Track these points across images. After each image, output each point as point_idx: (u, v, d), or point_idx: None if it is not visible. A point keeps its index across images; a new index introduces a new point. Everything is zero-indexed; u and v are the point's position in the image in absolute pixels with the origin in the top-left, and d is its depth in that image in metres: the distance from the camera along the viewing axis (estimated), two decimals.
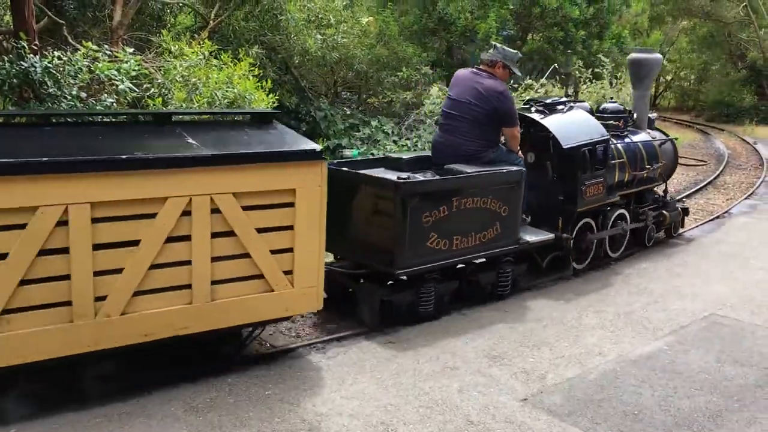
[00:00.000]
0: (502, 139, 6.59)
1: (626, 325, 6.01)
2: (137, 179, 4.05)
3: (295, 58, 13.29)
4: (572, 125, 7.19)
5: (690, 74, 31.10)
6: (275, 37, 12.62)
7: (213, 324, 4.48)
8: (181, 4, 12.52)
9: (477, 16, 16.50)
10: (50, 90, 6.57)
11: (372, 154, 11.39)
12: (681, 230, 9.31)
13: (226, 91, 7.65)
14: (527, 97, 8.84)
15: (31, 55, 6.63)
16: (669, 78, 33.23)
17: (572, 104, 7.59)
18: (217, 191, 4.32)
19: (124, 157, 4.05)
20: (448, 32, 17.21)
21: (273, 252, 4.61)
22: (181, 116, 5.53)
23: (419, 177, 5.95)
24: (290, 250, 4.68)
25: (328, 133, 13.08)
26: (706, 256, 8.34)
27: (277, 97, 8.70)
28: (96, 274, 4.01)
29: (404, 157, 6.63)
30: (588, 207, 7.18)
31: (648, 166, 8.23)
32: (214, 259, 4.39)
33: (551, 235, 6.82)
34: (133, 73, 7.21)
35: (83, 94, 6.83)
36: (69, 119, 5.11)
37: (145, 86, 7.71)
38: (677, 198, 10.40)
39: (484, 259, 6.28)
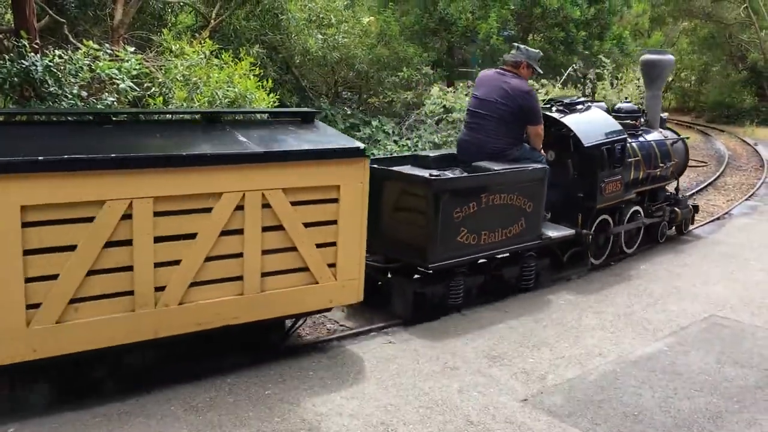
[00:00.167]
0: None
1: (626, 326, 6.01)
2: (196, 175, 4.20)
3: (296, 58, 13.28)
4: (591, 124, 7.33)
5: (690, 75, 30.99)
6: (276, 36, 12.62)
7: (262, 314, 4.64)
8: (182, 4, 12.50)
9: (478, 17, 16.47)
10: (51, 89, 6.57)
11: (373, 154, 11.36)
12: (691, 227, 9.42)
13: (227, 90, 7.66)
14: (548, 98, 8.89)
15: (32, 54, 6.62)
16: (670, 79, 33.18)
17: (590, 104, 7.71)
18: (268, 187, 4.47)
19: (184, 153, 4.22)
20: (449, 32, 17.17)
21: (318, 246, 4.77)
22: (232, 116, 5.78)
23: (449, 174, 6.07)
24: (333, 243, 4.84)
25: None
26: (707, 257, 8.34)
27: (277, 97, 8.69)
28: (156, 265, 4.16)
29: (431, 154, 6.83)
30: (606, 204, 7.34)
31: (661, 165, 8.38)
32: (264, 252, 4.55)
33: (572, 231, 6.98)
34: (134, 72, 7.21)
35: (84, 93, 6.84)
36: (125, 117, 5.34)
37: (145, 85, 7.71)
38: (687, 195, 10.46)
39: (507, 254, 6.43)
